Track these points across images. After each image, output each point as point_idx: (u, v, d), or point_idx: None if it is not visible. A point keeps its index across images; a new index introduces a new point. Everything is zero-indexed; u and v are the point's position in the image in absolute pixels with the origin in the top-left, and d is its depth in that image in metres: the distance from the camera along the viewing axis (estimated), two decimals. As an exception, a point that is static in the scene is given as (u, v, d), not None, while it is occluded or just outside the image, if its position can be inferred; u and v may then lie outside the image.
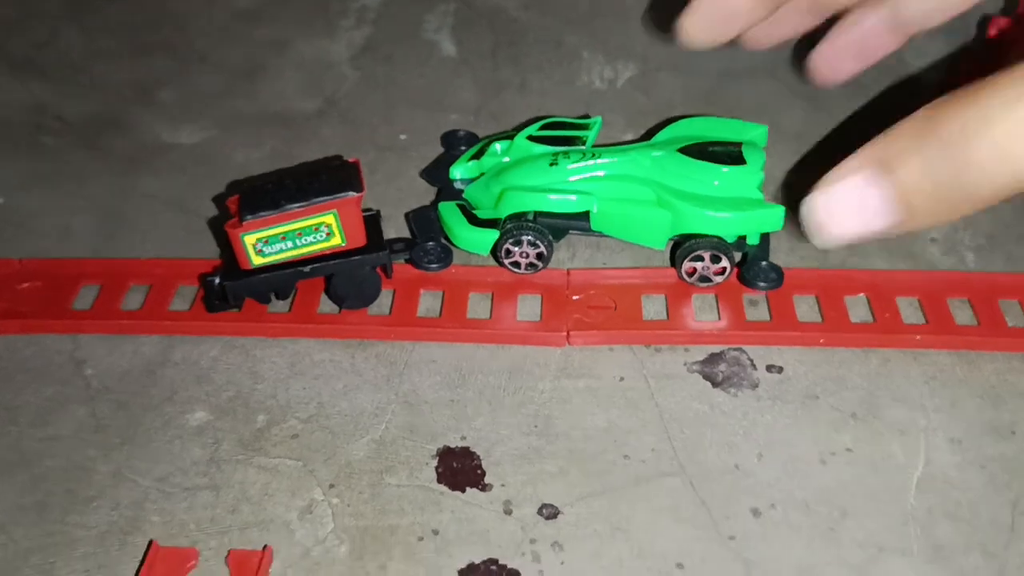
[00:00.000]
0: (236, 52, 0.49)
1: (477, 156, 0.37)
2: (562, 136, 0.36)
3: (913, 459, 0.29)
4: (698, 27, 0.30)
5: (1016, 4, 0.41)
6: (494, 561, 0.27)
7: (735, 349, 0.32)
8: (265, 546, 0.27)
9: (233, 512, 0.28)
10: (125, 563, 0.27)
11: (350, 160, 0.33)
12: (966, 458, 0.29)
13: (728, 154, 0.33)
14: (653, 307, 0.34)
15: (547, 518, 0.28)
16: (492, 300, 0.34)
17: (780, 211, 0.32)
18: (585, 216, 0.34)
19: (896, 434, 0.30)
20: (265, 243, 0.31)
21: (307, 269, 0.32)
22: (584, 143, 0.35)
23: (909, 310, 0.33)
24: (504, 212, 0.34)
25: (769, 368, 0.32)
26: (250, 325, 0.33)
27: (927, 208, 0.24)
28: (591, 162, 0.34)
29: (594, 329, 0.33)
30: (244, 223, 0.31)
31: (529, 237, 0.33)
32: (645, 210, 0.33)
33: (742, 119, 0.36)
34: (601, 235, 0.35)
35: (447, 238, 0.35)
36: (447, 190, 0.37)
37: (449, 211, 0.35)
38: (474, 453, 0.30)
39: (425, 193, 0.39)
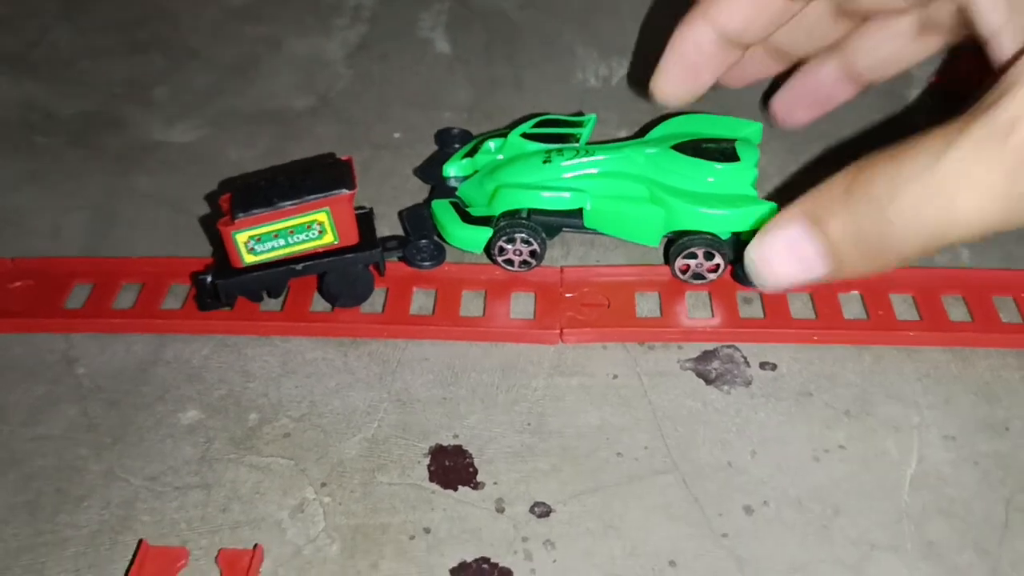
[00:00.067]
0: (230, 50, 0.49)
1: (471, 154, 0.37)
2: (556, 133, 0.36)
3: (907, 456, 0.29)
4: (668, 87, 0.32)
5: None
6: (486, 559, 0.27)
7: (728, 346, 0.32)
8: (256, 545, 0.27)
9: (224, 511, 0.28)
10: (115, 562, 0.27)
11: (343, 158, 0.33)
12: (960, 455, 0.29)
13: (722, 151, 0.33)
14: (647, 305, 0.34)
15: (539, 516, 0.28)
16: (485, 298, 0.34)
17: (773, 208, 0.32)
18: (579, 213, 0.34)
19: (890, 431, 0.30)
20: (257, 241, 0.31)
21: (299, 267, 0.32)
22: (578, 140, 0.35)
23: (903, 307, 0.33)
24: (497, 210, 0.34)
25: (763, 365, 0.32)
26: (242, 323, 0.33)
27: (854, 261, 0.26)
28: (584, 159, 0.34)
29: (587, 327, 0.32)
30: (236, 221, 0.30)
31: (522, 235, 0.33)
32: (638, 207, 0.33)
33: (736, 116, 0.36)
34: (595, 232, 0.35)
35: (440, 236, 0.35)
36: (440, 188, 0.37)
37: (442, 209, 0.35)
38: (466, 451, 0.29)
39: (419, 191, 0.39)
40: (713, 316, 0.33)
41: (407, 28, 0.50)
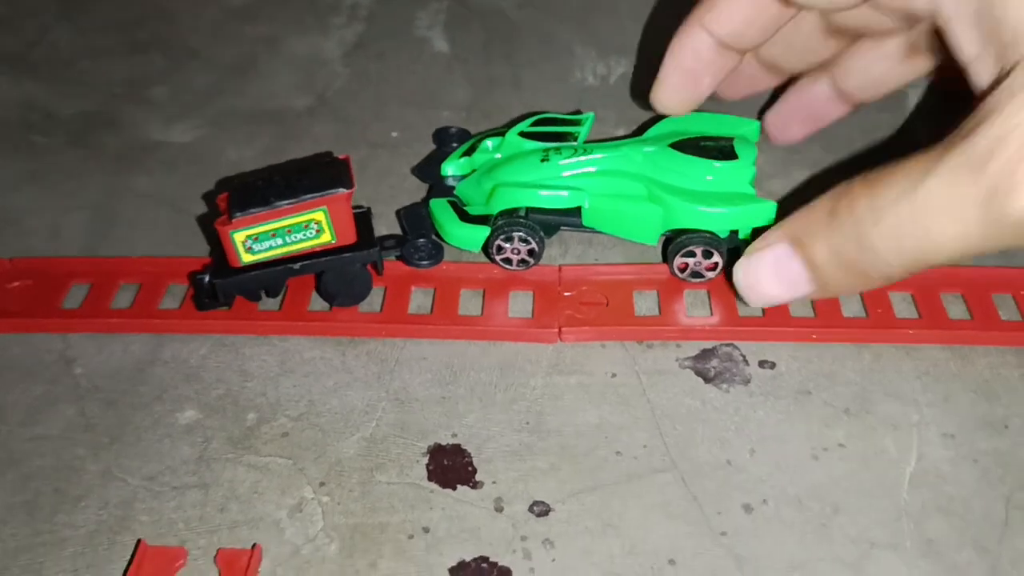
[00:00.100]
0: (228, 49, 0.49)
1: (469, 153, 0.37)
2: (554, 132, 0.36)
3: (906, 454, 0.29)
4: (669, 94, 0.33)
5: None
6: (485, 559, 0.27)
7: (727, 345, 0.32)
8: (255, 544, 0.27)
9: (222, 511, 0.28)
10: (114, 562, 0.27)
11: (340, 157, 0.33)
12: (959, 453, 0.29)
13: (720, 149, 0.33)
14: (645, 303, 0.34)
15: (538, 515, 0.28)
16: (483, 297, 0.34)
17: (772, 206, 0.32)
18: (576, 212, 0.34)
19: (889, 429, 0.29)
20: (255, 240, 0.31)
21: (297, 266, 0.32)
22: (576, 139, 0.35)
23: (902, 305, 0.33)
24: (495, 208, 0.34)
25: (761, 364, 0.32)
26: (240, 323, 0.33)
27: (839, 281, 0.27)
28: (583, 158, 0.34)
29: (586, 325, 0.32)
30: (233, 220, 0.30)
31: (520, 233, 0.33)
32: (636, 206, 0.33)
33: (734, 115, 0.36)
34: (593, 231, 0.34)
35: (438, 235, 0.35)
36: (439, 187, 0.37)
37: (440, 208, 0.35)
38: (465, 450, 0.29)
39: (417, 190, 0.39)
40: (712, 315, 0.33)
41: (404, 27, 0.50)
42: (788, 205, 0.28)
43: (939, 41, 0.28)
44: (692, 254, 0.33)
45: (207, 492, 0.28)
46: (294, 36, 0.49)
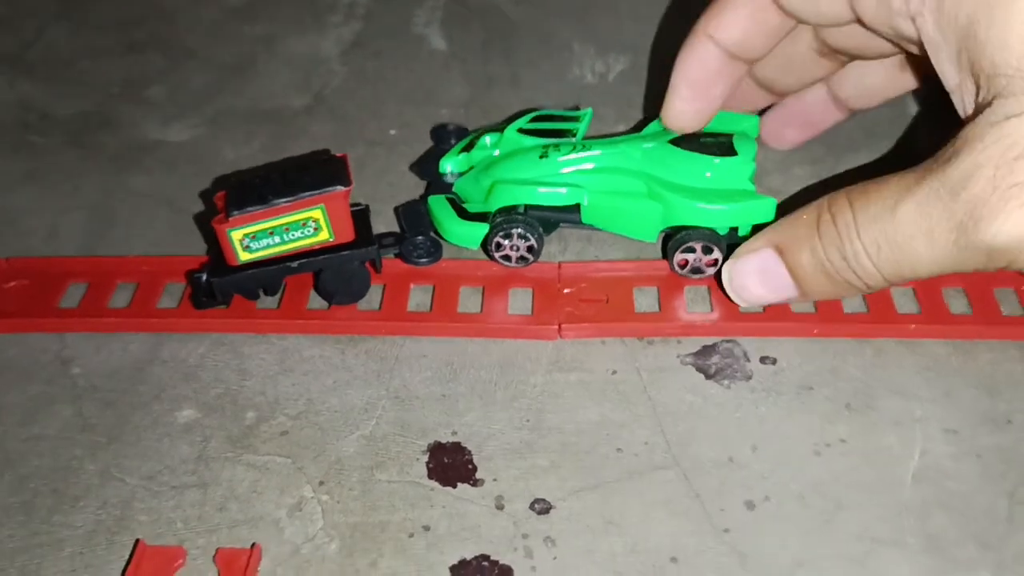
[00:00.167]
0: (226, 49, 0.48)
1: (467, 149, 0.37)
2: (552, 128, 0.36)
3: (908, 450, 0.29)
4: (680, 108, 0.33)
5: None
6: (486, 557, 0.26)
7: (728, 341, 0.32)
8: (254, 544, 0.26)
9: (221, 510, 0.28)
10: (112, 563, 0.26)
11: (338, 155, 0.33)
12: (962, 449, 0.29)
13: (719, 145, 0.33)
14: (645, 300, 0.33)
15: (539, 513, 0.27)
16: (483, 294, 0.34)
17: (772, 203, 0.32)
18: (575, 209, 0.34)
19: (891, 425, 0.29)
20: (252, 239, 0.31)
21: (295, 265, 0.32)
22: (575, 135, 0.35)
23: (903, 300, 0.33)
24: (494, 205, 0.34)
25: (763, 360, 0.31)
26: (238, 321, 0.33)
27: (822, 287, 0.29)
28: (581, 154, 0.34)
29: (586, 322, 0.32)
30: (231, 219, 0.30)
31: (519, 230, 0.33)
32: (636, 203, 0.33)
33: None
34: (592, 228, 0.34)
35: (437, 232, 0.35)
36: (437, 184, 0.37)
37: (439, 205, 0.35)
38: (465, 448, 0.29)
39: (415, 188, 0.38)
40: (712, 310, 0.33)
41: (402, 25, 0.49)
42: (790, 203, 0.28)
43: (927, 63, 0.28)
44: (692, 250, 0.32)
45: (206, 491, 0.28)
46: (292, 35, 0.49)
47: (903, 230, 0.25)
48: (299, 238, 0.31)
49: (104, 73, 0.47)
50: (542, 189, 0.33)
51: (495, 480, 0.28)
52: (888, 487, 0.28)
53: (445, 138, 0.39)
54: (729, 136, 0.33)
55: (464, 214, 0.34)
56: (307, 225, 0.31)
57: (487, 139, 0.36)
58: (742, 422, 0.30)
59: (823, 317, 0.32)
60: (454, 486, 0.28)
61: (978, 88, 0.25)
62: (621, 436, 0.29)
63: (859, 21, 0.29)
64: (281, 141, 0.42)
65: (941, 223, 0.25)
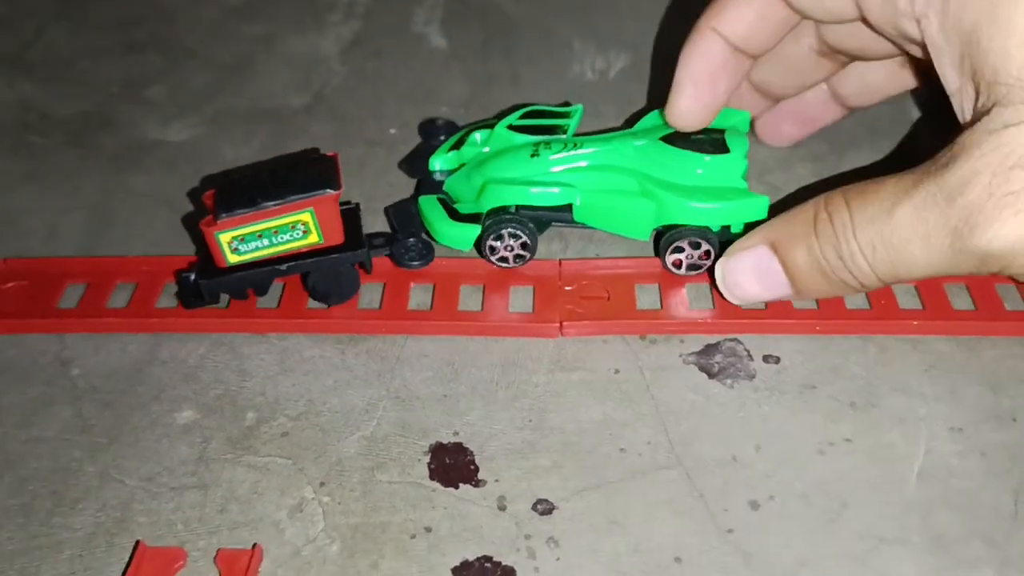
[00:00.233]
0: (225, 48, 0.48)
1: (457, 146, 0.36)
2: (543, 125, 0.35)
3: (913, 448, 0.28)
4: (685, 104, 0.33)
5: None
6: (488, 558, 0.26)
7: (731, 339, 0.32)
8: (255, 545, 0.26)
9: (222, 511, 0.28)
10: (112, 564, 0.26)
11: (329, 154, 0.32)
12: (967, 446, 0.28)
13: (711, 142, 0.33)
14: (647, 297, 0.33)
15: (542, 513, 0.27)
16: (483, 292, 0.33)
17: (765, 201, 0.31)
18: (568, 208, 0.33)
19: (895, 423, 0.29)
20: (241, 241, 0.30)
21: (284, 267, 0.31)
22: (565, 131, 0.35)
23: (906, 296, 0.32)
24: (486, 206, 0.33)
25: (766, 358, 0.31)
26: (238, 321, 0.33)
27: (817, 285, 0.29)
28: (573, 152, 0.33)
29: (587, 319, 0.32)
30: (219, 221, 0.30)
31: (509, 229, 0.32)
32: (629, 201, 0.33)
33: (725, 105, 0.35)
34: (584, 227, 0.34)
35: (428, 233, 0.34)
36: (427, 182, 0.36)
37: (430, 206, 0.34)
38: (467, 449, 0.29)
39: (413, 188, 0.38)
40: (714, 307, 0.32)
41: (401, 24, 0.49)
42: (790, 200, 0.28)
43: (929, 65, 0.28)
44: (681, 249, 0.32)
45: (206, 493, 0.28)
46: (291, 35, 0.49)
47: (899, 233, 0.26)
48: (288, 241, 0.31)
49: (104, 73, 0.47)
50: (534, 189, 0.33)
51: (497, 480, 0.28)
52: (893, 485, 0.27)
53: (434, 134, 0.38)
54: (721, 132, 0.33)
55: (455, 215, 0.34)
56: (296, 228, 0.31)
57: (477, 136, 0.36)
58: (745, 421, 0.29)
59: (825, 314, 0.32)
60: (456, 487, 0.28)
61: (978, 94, 0.26)
62: (624, 436, 0.29)
63: (863, 20, 0.29)
64: (281, 140, 0.42)
65: (937, 227, 0.25)
